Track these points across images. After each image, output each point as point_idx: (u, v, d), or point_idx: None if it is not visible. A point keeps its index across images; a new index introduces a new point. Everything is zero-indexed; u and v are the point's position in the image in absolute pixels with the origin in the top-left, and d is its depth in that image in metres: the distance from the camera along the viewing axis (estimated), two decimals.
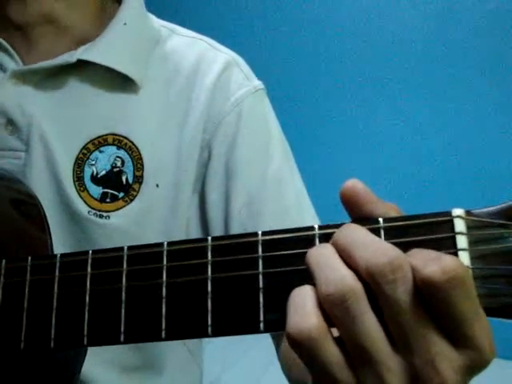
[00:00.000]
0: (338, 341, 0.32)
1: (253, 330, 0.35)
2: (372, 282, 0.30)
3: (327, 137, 1.96)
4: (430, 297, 0.30)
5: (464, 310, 0.30)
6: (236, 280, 0.36)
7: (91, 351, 0.56)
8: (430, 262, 0.29)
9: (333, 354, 0.31)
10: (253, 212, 0.62)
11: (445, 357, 0.30)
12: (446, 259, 0.29)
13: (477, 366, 0.31)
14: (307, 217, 0.65)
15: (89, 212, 0.59)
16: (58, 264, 0.42)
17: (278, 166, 0.65)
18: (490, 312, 0.31)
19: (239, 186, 0.62)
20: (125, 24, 0.64)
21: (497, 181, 1.62)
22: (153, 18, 0.70)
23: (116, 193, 0.60)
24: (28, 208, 0.52)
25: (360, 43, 1.94)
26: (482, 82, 1.79)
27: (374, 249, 0.31)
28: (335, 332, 0.32)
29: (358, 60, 1.94)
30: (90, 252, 0.41)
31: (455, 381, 0.30)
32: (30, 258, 0.43)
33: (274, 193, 0.63)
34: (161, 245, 0.38)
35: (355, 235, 0.32)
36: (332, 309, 0.31)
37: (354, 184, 0.34)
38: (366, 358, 0.31)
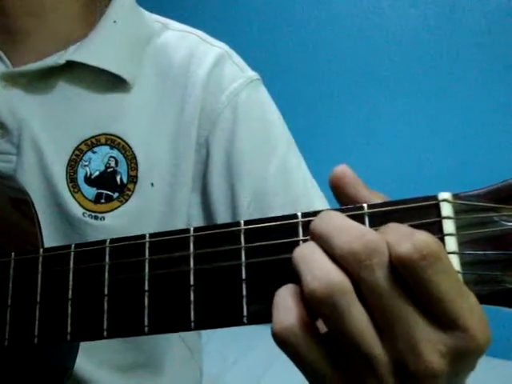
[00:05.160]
0: (325, 337, 0.31)
1: (236, 322, 0.34)
2: (350, 270, 0.29)
3: (326, 136, 1.96)
4: (407, 276, 0.29)
5: (443, 288, 0.28)
6: (219, 271, 0.35)
7: (87, 352, 0.56)
8: (403, 240, 0.29)
9: (317, 351, 0.31)
10: (262, 206, 0.60)
11: (428, 340, 0.29)
12: (419, 235, 0.28)
13: (468, 350, 0.29)
14: (318, 205, 0.63)
15: (83, 214, 0.58)
16: (40, 259, 0.41)
17: (282, 155, 0.63)
18: (480, 299, 0.30)
19: (244, 181, 0.61)
20: (114, 22, 0.63)
21: (497, 180, 1.61)
22: (145, 13, 0.69)
23: (111, 193, 0.59)
24: (18, 203, 0.52)
25: (360, 42, 1.94)
26: (482, 82, 1.79)
27: (348, 235, 0.30)
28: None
29: (358, 59, 1.94)
30: (73, 246, 0.40)
31: (442, 365, 0.29)
32: (13, 253, 0.43)
33: (282, 184, 0.62)
34: (143, 237, 0.38)
35: (330, 222, 0.31)
36: (318, 306, 0.30)
37: (343, 169, 0.35)
38: (356, 352, 0.30)
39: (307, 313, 0.31)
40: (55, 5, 0.62)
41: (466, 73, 1.81)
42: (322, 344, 0.31)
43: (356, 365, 0.30)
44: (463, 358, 0.29)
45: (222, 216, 0.61)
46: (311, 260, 0.30)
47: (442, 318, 0.29)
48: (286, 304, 0.31)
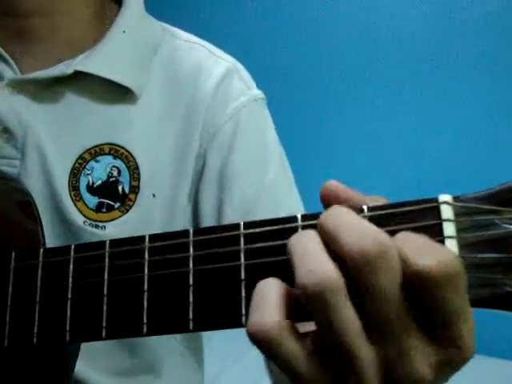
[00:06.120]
0: (304, 337, 0.31)
1: (235, 323, 0.34)
2: (354, 269, 0.29)
3: (326, 137, 1.96)
4: (419, 291, 0.28)
5: (453, 308, 0.28)
6: (218, 272, 0.35)
7: (87, 356, 0.56)
8: (423, 252, 0.28)
9: (295, 351, 0.30)
10: None
11: (422, 352, 0.29)
12: (441, 251, 0.28)
13: (455, 362, 0.30)
14: None
15: (84, 222, 0.58)
16: (40, 259, 0.41)
17: (273, 178, 0.64)
18: (480, 303, 0.30)
19: (233, 200, 0.61)
20: (124, 32, 0.63)
21: (497, 180, 1.61)
22: (153, 21, 0.69)
23: (112, 203, 0.59)
24: (21, 204, 0.52)
25: (360, 43, 1.94)
26: (482, 81, 1.79)
27: (359, 234, 0.29)
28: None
29: (359, 60, 1.94)
30: (73, 246, 0.40)
31: (430, 376, 0.29)
32: (13, 253, 0.43)
33: (270, 207, 0.62)
34: (142, 238, 0.38)
35: (341, 218, 0.30)
36: (309, 300, 0.29)
37: (331, 184, 0.34)
38: (342, 352, 0.30)
39: (287, 312, 0.30)
40: (65, 8, 0.62)
41: (465, 73, 1.81)
42: (298, 346, 0.30)
43: (339, 366, 0.30)
44: (448, 368, 0.30)
45: None
46: (306, 253, 0.30)
47: (441, 334, 0.29)
48: (263, 302, 0.31)
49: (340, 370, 0.30)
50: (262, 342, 0.30)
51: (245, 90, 0.65)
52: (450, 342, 0.29)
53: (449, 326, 0.29)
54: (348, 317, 0.29)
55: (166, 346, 0.67)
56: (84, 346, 0.46)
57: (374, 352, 0.30)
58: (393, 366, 0.29)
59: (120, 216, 0.59)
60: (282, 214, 0.62)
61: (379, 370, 0.30)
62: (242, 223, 0.35)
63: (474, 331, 0.29)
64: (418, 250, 0.28)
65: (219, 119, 0.62)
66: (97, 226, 0.59)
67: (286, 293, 0.31)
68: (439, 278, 0.27)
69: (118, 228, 0.59)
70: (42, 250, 0.42)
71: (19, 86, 0.59)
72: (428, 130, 1.85)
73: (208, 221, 0.62)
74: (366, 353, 0.29)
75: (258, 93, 0.67)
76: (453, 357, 0.29)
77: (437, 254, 0.28)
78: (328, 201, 0.34)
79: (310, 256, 0.30)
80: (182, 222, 0.62)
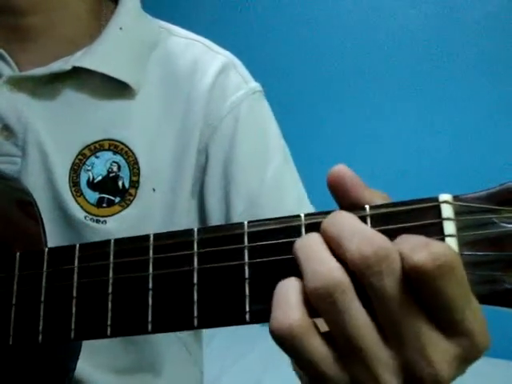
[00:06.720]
0: (325, 335, 0.31)
1: (239, 321, 0.34)
2: (359, 274, 0.30)
3: (326, 137, 1.96)
4: (419, 285, 0.29)
5: (454, 298, 0.29)
6: (222, 271, 0.35)
7: (87, 354, 0.56)
8: (418, 249, 0.29)
9: (318, 349, 0.31)
10: (254, 217, 0.61)
11: (436, 347, 0.29)
12: (435, 245, 0.29)
13: (470, 354, 0.30)
14: None
15: (85, 217, 0.59)
16: (45, 258, 0.42)
17: (277, 170, 0.64)
18: (481, 299, 0.30)
19: (239, 191, 0.62)
20: (121, 29, 0.63)
21: (497, 180, 1.61)
22: (150, 18, 0.70)
23: (112, 198, 0.60)
24: (22, 204, 0.52)
25: (360, 43, 1.94)
26: (482, 81, 1.79)
27: (360, 239, 0.30)
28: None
29: (359, 59, 1.94)
30: (78, 246, 0.41)
31: (448, 371, 0.30)
32: (18, 253, 0.43)
33: (274, 198, 0.63)
34: (147, 236, 0.38)
35: (343, 224, 0.31)
36: (319, 302, 0.30)
37: (341, 169, 0.34)
38: (356, 351, 0.30)
39: (308, 310, 0.31)
40: (61, 5, 0.62)
41: (465, 73, 1.82)
42: (320, 344, 0.31)
43: (356, 366, 0.31)
44: (465, 363, 0.30)
45: (216, 222, 0.62)
46: (314, 256, 0.31)
47: (449, 324, 0.30)
48: (285, 300, 0.31)
49: (357, 371, 0.31)
50: (285, 338, 0.31)
51: (242, 83, 0.66)
52: (459, 332, 0.30)
53: (453, 315, 0.29)
54: (359, 316, 0.30)
55: (167, 345, 0.67)
56: (85, 343, 0.46)
57: (392, 354, 0.30)
58: (411, 364, 0.30)
59: (121, 210, 0.60)
60: (287, 204, 0.63)
61: (399, 373, 0.30)
62: (245, 222, 0.35)
63: (485, 322, 0.30)
64: (413, 247, 0.29)
65: (219, 113, 0.63)
66: (98, 221, 0.59)
67: (306, 292, 0.31)
68: (434, 271, 0.28)
69: (118, 222, 0.59)
70: (46, 250, 0.42)
71: (18, 84, 0.60)
72: (428, 130, 1.85)
73: (215, 214, 0.62)
74: (382, 353, 0.30)
75: (255, 85, 0.67)
76: (466, 349, 0.30)
77: (430, 247, 0.29)
78: (335, 187, 0.34)
79: (317, 258, 0.31)
80: (183, 217, 0.63)
